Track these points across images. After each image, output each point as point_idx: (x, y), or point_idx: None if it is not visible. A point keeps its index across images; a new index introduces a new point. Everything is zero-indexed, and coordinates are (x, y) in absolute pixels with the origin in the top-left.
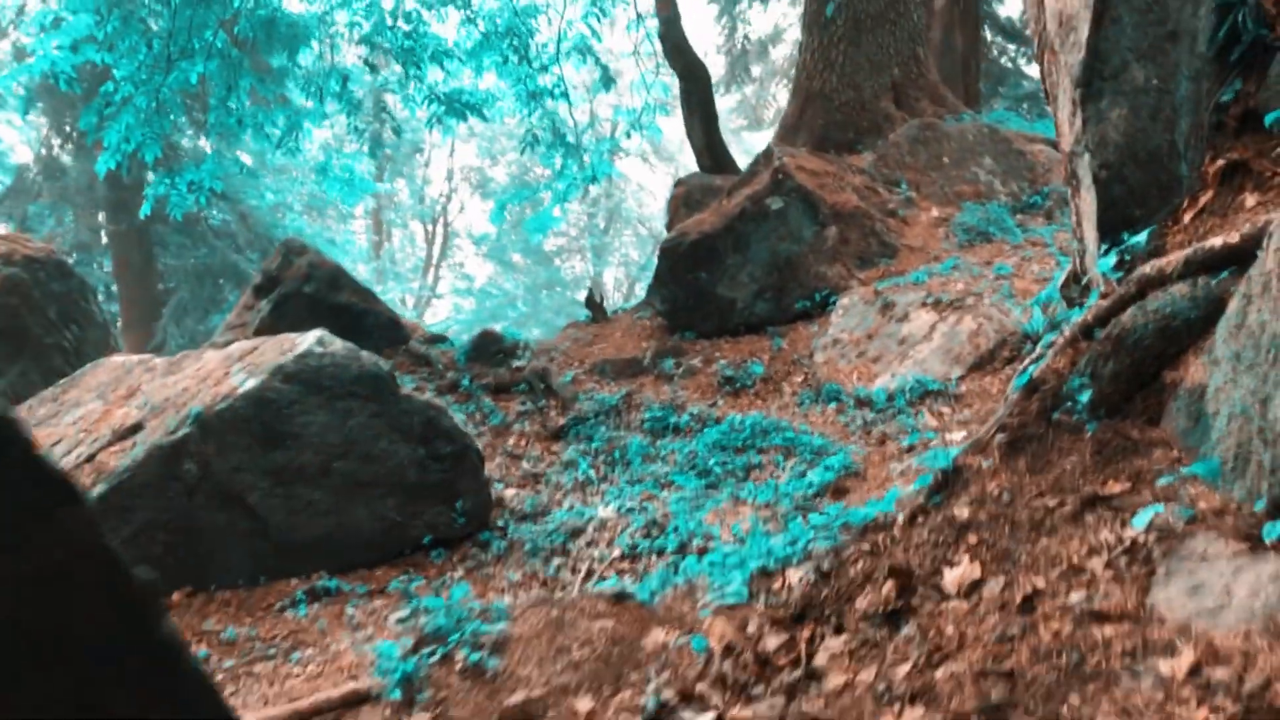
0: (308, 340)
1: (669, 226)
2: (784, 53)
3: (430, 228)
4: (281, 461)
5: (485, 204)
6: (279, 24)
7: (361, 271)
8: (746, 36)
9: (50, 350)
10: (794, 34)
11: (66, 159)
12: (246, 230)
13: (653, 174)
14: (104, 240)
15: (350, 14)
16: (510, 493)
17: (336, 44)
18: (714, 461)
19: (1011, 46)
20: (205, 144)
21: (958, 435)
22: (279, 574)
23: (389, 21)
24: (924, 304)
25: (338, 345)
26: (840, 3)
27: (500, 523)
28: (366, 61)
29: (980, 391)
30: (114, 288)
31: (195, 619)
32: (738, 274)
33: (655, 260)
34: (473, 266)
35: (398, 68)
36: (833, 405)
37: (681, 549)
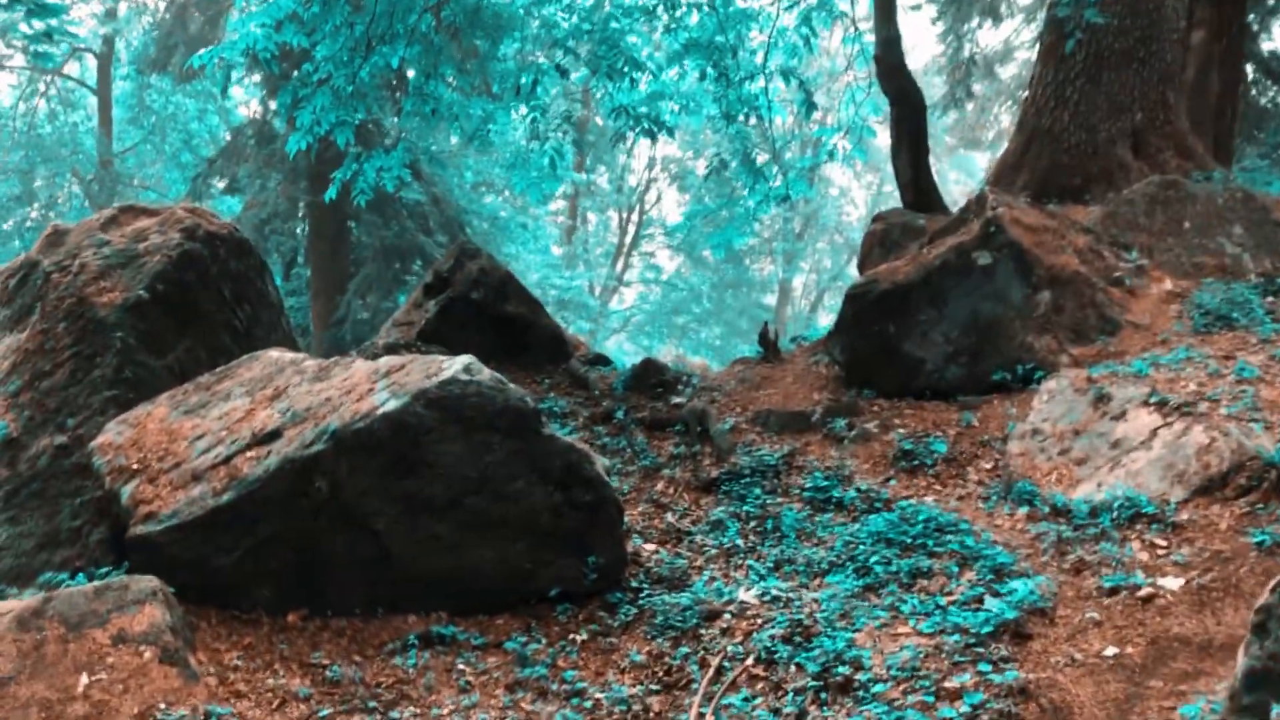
0: (455, 366)
1: (861, 265)
2: (1011, 72)
3: (625, 215)
4: (411, 489)
5: (682, 196)
6: (485, 11)
7: (556, 252)
8: (972, 56)
9: (219, 328)
10: (1024, 54)
11: (279, 125)
12: (439, 212)
13: (856, 182)
14: (301, 211)
15: (549, 11)
16: (649, 549)
17: (538, 40)
18: (877, 558)
19: (1275, 87)
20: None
21: (1173, 583)
22: (397, 607)
23: (584, 25)
24: (1146, 403)
25: (485, 375)
26: (1083, 36)
27: (634, 583)
28: (558, 66)
29: (1204, 524)
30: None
31: (306, 647)
32: (930, 332)
33: (841, 304)
34: (662, 257)
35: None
36: (1024, 509)
37: (824, 674)
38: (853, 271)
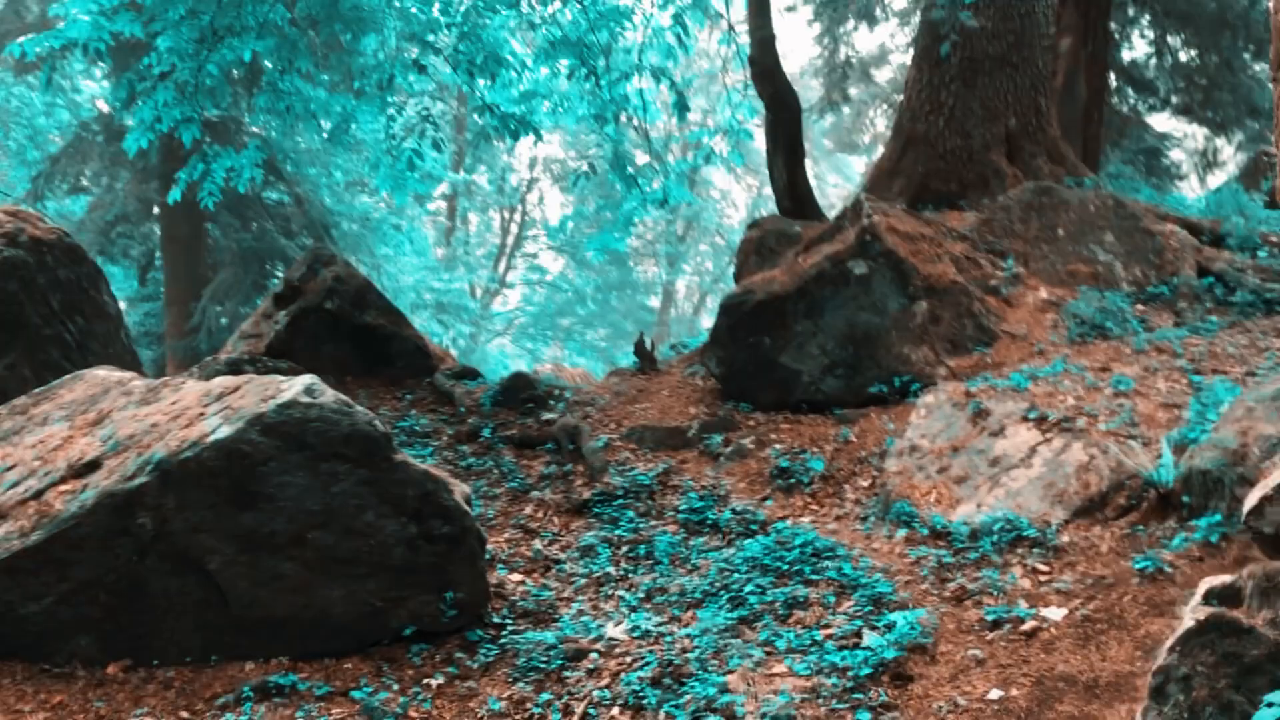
0: (295, 387)
1: (737, 274)
2: (887, 75)
3: (507, 216)
4: (249, 525)
5: (567, 196)
6: (343, 2)
7: (437, 254)
8: (849, 60)
9: (48, 342)
10: (899, 58)
11: (129, 120)
12: (302, 213)
13: (737, 184)
14: (155, 212)
15: (409, 2)
16: (515, 579)
17: (401, 35)
18: (752, 587)
19: (1136, 95)
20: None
21: (1056, 614)
22: (234, 654)
23: (444, 19)
24: (1025, 418)
25: (329, 396)
26: (957, 40)
27: (497, 619)
28: (415, 61)
29: (1086, 547)
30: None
31: (127, 702)
32: (806, 344)
33: (716, 315)
34: (546, 259)
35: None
36: (902, 532)
37: None
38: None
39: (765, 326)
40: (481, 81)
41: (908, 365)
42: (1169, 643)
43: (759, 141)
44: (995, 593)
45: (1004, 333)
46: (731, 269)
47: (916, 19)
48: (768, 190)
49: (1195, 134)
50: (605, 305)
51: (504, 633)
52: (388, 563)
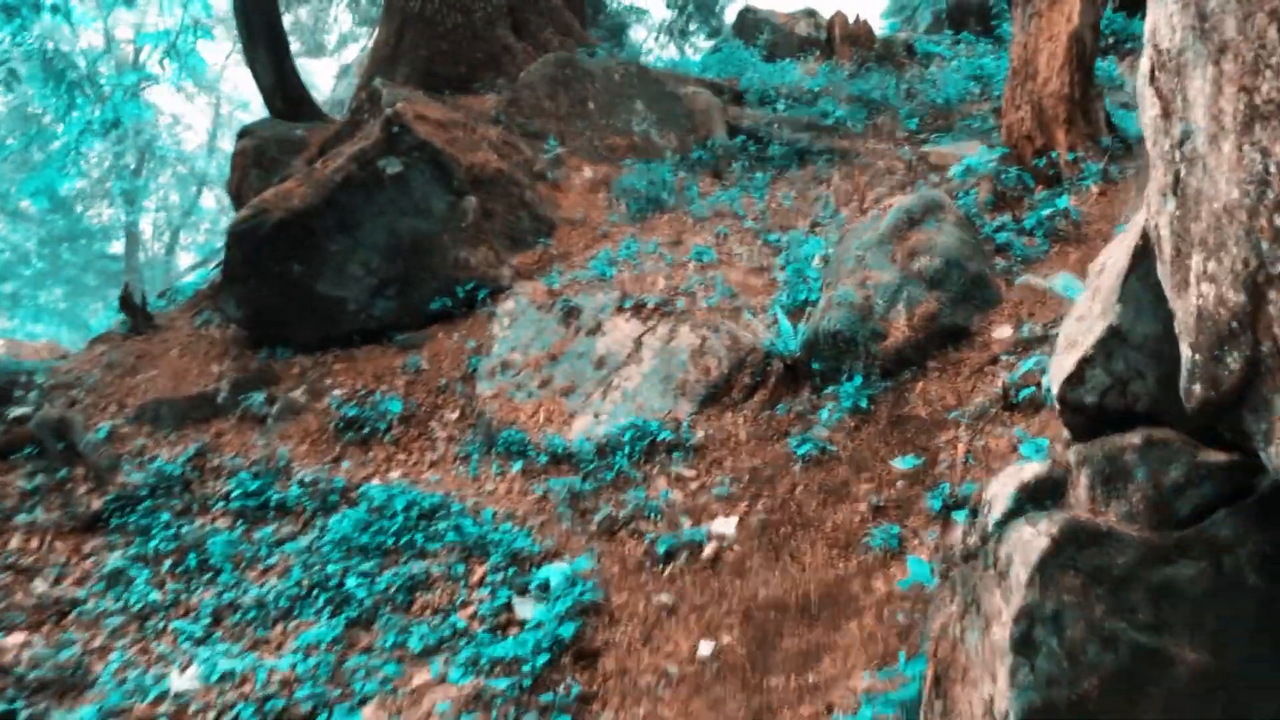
0: None
1: (237, 194)
2: None
3: None
4: None
5: None
6: None
7: None
8: None
9: None
10: None
11: None
12: None
13: (190, 105)
14: None
15: None
16: (13, 642)
17: None
18: (354, 577)
19: None
20: None
21: (728, 525)
22: None
23: None
24: (620, 309)
25: None
26: None
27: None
28: None
29: (726, 439)
30: None
31: None
32: (346, 264)
33: (225, 246)
34: None
35: None
36: (517, 465)
37: None
38: (209, 204)
39: (292, 250)
40: None
41: (469, 270)
42: (1022, 576)
43: (211, 55)
44: (651, 515)
45: (562, 219)
46: (205, 199)
47: None
48: (230, 109)
49: (658, 3)
50: (56, 260)
51: None
52: None
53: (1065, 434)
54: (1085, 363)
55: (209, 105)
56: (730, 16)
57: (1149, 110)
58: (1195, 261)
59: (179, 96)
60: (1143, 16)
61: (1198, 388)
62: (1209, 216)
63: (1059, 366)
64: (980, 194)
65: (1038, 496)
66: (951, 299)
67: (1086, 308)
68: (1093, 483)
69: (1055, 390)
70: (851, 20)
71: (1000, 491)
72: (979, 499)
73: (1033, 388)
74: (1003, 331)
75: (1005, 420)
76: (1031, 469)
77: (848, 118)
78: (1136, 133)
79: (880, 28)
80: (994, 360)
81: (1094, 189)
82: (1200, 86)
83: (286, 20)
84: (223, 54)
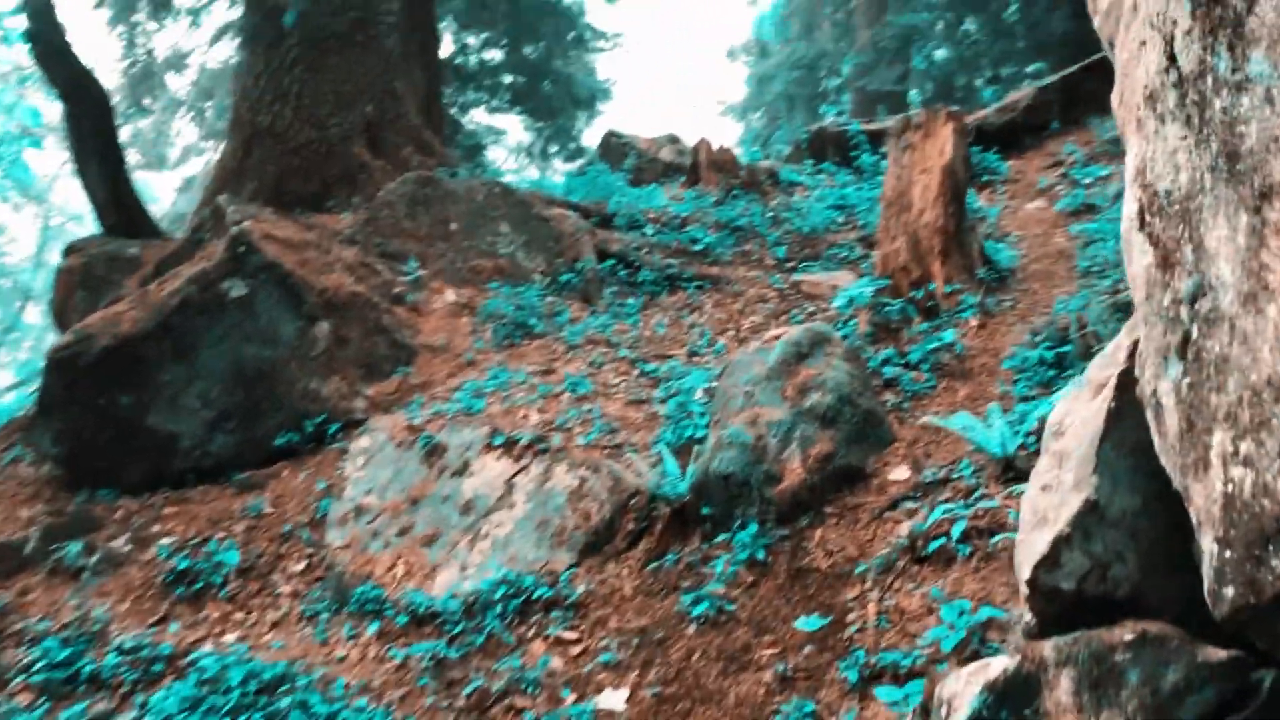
0: None
1: (59, 315)
2: (189, 80)
3: None
4: None
5: None
6: None
7: None
8: (150, 52)
9: None
10: (201, 57)
11: None
12: None
13: (17, 215)
14: None
15: None
16: None
17: None
18: None
19: (466, 91)
20: None
21: (618, 699)
22: None
23: None
24: (490, 446)
25: None
26: (297, 18)
27: None
28: None
29: (609, 595)
30: None
31: None
32: (181, 395)
33: (44, 373)
34: None
35: None
36: (373, 627)
37: None
38: (32, 320)
39: (119, 380)
40: None
41: (319, 402)
42: None
43: (41, 165)
44: (529, 688)
45: (423, 346)
46: (27, 314)
47: (214, 15)
48: (60, 220)
49: (516, 125)
50: None
51: None
52: None
53: (1028, 618)
54: (1061, 543)
55: (37, 216)
56: (588, 140)
57: (1139, 259)
58: (1218, 439)
59: (4, 207)
60: (998, 150)
61: (1230, 591)
62: (1240, 389)
63: (1028, 547)
64: (860, 325)
65: (1008, 698)
66: (846, 438)
67: (1052, 476)
68: (1078, 687)
69: (1025, 574)
70: (716, 147)
71: (963, 691)
72: (931, 697)
73: (942, 538)
74: (900, 473)
75: (915, 575)
76: (999, 665)
77: (717, 244)
78: (1008, 264)
79: (739, 155)
80: (893, 505)
81: (973, 321)
82: (1225, 236)
83: (125, 131)
84: (56, 163)
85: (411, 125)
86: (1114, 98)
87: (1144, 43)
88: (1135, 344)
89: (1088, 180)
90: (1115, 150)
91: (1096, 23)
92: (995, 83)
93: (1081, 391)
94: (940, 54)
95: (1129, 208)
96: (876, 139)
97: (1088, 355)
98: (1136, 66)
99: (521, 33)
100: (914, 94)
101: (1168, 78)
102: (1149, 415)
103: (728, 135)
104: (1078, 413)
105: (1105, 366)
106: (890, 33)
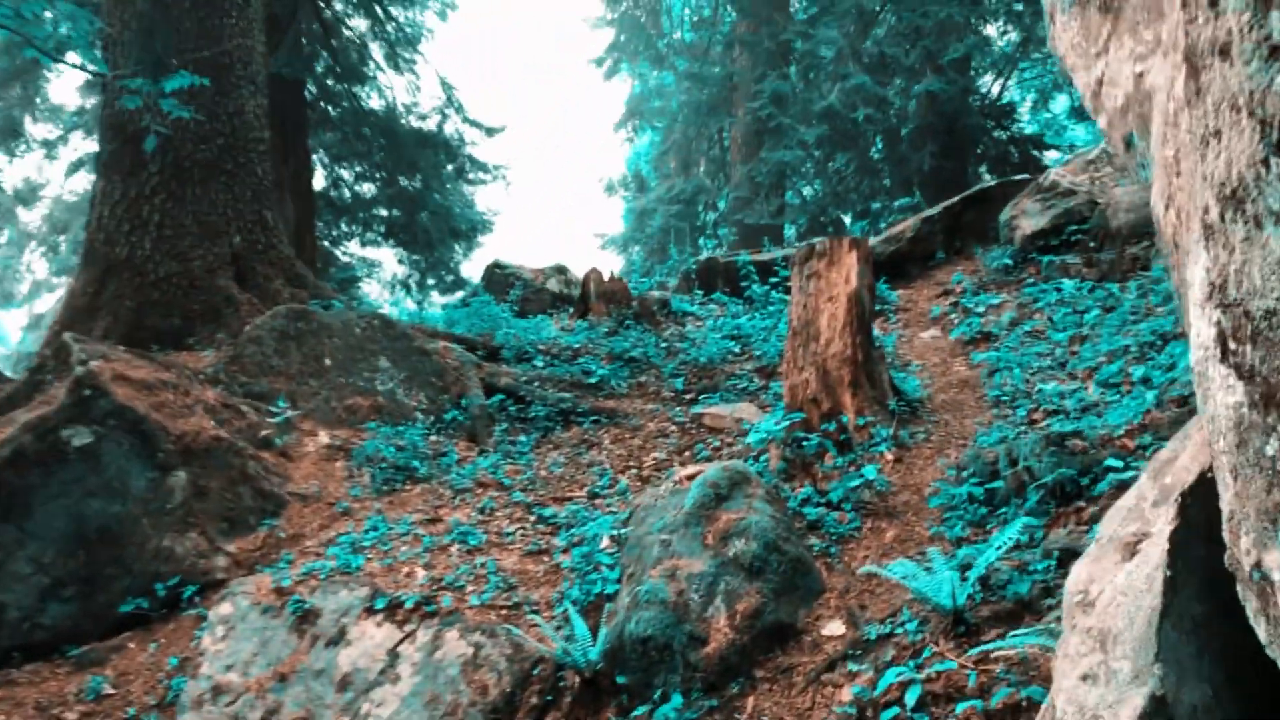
0: None
1: None
2: (40, 214)
3: None
4: None
5: None
6: None
7: None
8: None
9: None
10: (56, 189)
11: None
12: None
13: None
14: None
15: None
16: None
17: None
18: None
19: (340, 225)
20: None
21: None
22: None
23: None
24: (369, 610)
25: None
26: (165, 133)
27: None
28: None
29: None
30: None
31: None
32: (9, 561)
33: None
34: None
35: None
36: None
37: None
38: None
39: None
40: None
41: (173, 562)
42: None
43: None
44: None
45: (293, 495)
46: None
47: (69, 147)
48: None
49: (390, 257)
50: None
51: None
52: None
53: None
54: None
55: None
56: (467, 271)
57: (1222, 397)
58: None
59: None
60: (887, 279)
61: None
62: None
63: None
64: (771, 460)
65: None
66: (774, 590)
67: (1096, 663)
68: None
69: None
70: (606, 277)
71: None
72: None
73: (895, 708)
74: (834, 628)
75: None
76: None
77: (611, 376)
78: (915, 394)
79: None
80: (830, 666)
81: (889, 455)
82: None
83: None
84: None
85: (283, 256)
86: (1156, 201)
87: (1218, 132)
88: (1183, 498)
89: (981, 308)
90: (1004, 279)
91: (1102, 122)
92: (863, 217)
93: (1105, 553)
94: (810, 190)
95: (1203, 335)
96: (765, 269)
97: (1021, 492)
98: (1200, 163)
99: (398, 165)
100: (789, 228)
101: (1268, 171)
102: (1245, 591)
103: (608, 268)
104: (1107, 579)
105: (1128, 521)
106: (765, 169)
